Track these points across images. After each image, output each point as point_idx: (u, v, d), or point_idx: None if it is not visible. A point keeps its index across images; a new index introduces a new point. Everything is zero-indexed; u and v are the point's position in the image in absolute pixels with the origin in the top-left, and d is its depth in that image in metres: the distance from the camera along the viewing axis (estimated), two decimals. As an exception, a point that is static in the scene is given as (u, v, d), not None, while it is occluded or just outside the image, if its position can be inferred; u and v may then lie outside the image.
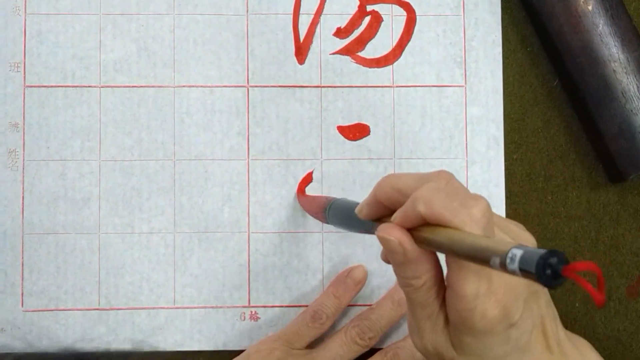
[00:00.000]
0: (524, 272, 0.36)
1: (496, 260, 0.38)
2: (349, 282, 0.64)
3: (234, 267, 0.65)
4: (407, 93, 0.66)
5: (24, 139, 0.64)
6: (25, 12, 0.65)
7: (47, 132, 0.64)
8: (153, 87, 0.65)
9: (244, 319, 0.65)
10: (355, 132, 0.66)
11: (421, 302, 0.47)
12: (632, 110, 0.64)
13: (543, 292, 0.49)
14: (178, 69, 0.65)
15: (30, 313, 0.64)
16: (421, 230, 0.44)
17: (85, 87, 0.65)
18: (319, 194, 0.65)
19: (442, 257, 0.46)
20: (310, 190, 0.65)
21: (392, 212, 0.46)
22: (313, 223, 0.65)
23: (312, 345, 0.63)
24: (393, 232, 0.45)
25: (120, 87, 0.65)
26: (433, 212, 0.43)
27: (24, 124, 0.64)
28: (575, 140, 0.67)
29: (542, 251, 0.36)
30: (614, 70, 0.64)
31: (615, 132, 0.64)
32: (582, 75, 0.65)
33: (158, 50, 0.65)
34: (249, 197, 0.65)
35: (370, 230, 0.49)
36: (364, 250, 0.65)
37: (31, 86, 0.65)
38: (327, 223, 0.58)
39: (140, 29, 0.65)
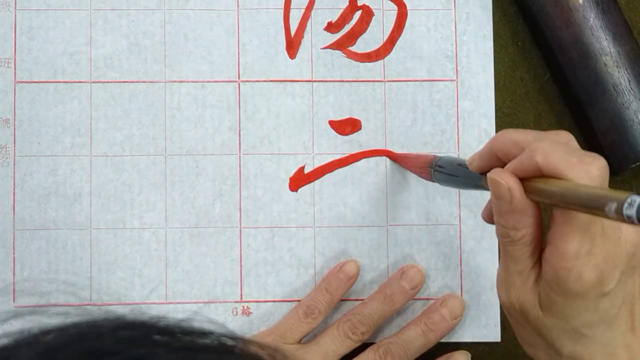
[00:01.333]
0: None
1: (612, 207, 0.37)
2: (341, 276, 0.64)
3: (225, 262, 0.65)
4: (399, 87, 0.66)
5: (14, 135, 0.64)
6: (16, 8, 0.65)
7: (38, 128, 0.64)
8: (144, 82, 0.65)
9: (236, 314, 0.65)
10: (347, 126, 0.66)
11: (516, 256, 0.47)
12: (623, 104, 0.64)
13: (639, 270, 0.49)
14: (169, 64, 0.65)
15: (21, 309, 0.64)
16: (533, 181, 0.45)
17: (76, 82, 0.65)
18: (418, 153, 0.64)
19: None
20: (302, 185, 0.65)
21: (503, 166, 0.47)
22: (305, 218, 0.65)
23: (305, 340, 0.63)
24: (505, 176, 0.46)
25: (111, 82, 0.65)
26: (550, 163, 0.43)
27: (14, 119, 0.64)
28: (567, 134, 0.67)
29: None
30: (605, 64, 0.64)
31: (607, 126, 0.64)
32: (574, 70, 0.65)
33: (149, 45, 0.65)
34: (240, 192, 0.65)
35: (478, 184, 0.49)
36: (356, 245, 0.65)
37: (22, 82, 0.65)
38: (432, 180, 0.58)
39: (130, 24, 0.65)
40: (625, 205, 0.37)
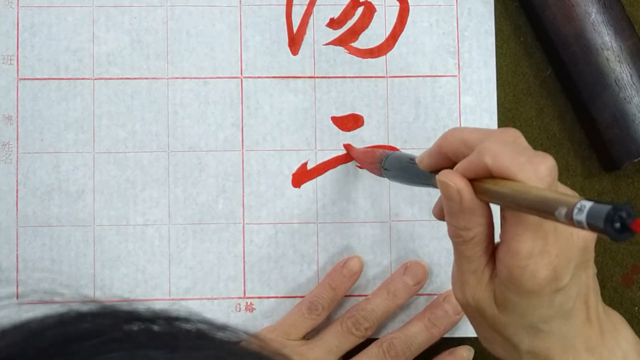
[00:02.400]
0: (590, 224, 0.36)
1: (562, 211, 0.37)
2: (345, 272, 0.64)
3: (228, 259, 0.65)
4: (401, 83, 0.66)
5: (17, 132, 0.64)
6: (18, 5, 0.65)
7: (41, 125, 0.64)
8: (146, 79, 0.65)
9: (239, 310, 0.65)
10: (349, 122, 0.66)
11: (468, 255, 0.47)
12: (625, 99, 0.64)
13: (592, 263, 0.49)
14: (171, 61, 0.65)
15: (25, 306, 0.64)
16: (482, 181, 0.44)
17: (79, 79, 0.65)
18: (372, 147, 0.64)
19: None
20: (304, 181, 0.65)
21: (453, 164, 0.47)
22: (308, 214, 0.65)
23: (308, 336, 0.63)
24: (454, 178, 0.45)
25: (114, 79, 0.65)
26: (499, 164, 0.43)
27: (17, 116, 0.64)
28: (569, 129, 0.67)
29: (612, 204, 0.35)
30: (607, 59, 0.64)
31: (608, 121, 0.64)
32: (576, 64, 0.65)
33: (151, 42, 0.65)
34: (243, 188, 0.65)
35: (427, 183, 0.49)
36: (359, 241, 0.65)
37: (24, 79, 0.65)
38: (382, 176, 0.58)
39: (133, 21, 0.65)
40: (575, 210, 0.36)
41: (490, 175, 0.44)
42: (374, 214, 0.65)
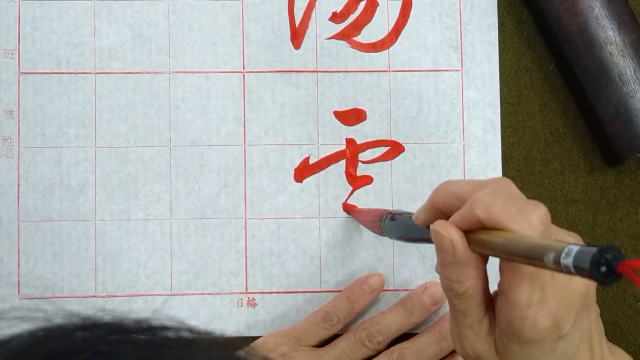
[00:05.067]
0: (577, 268, 0.35)
1: (550, 257, 0.37)
2: (365, 288, 0.63)
3: (230, 254, 0.64)
4: (404, 77, 0.66)
5: (18, 126, 0.64)
6: (19, -1, 0.65)
7: (42, 119, 0.64)
8: (148, 73, 0.65)
9: (241, 305, 0.64)
10: (352, 117, 0.65)
11: (462, 309, 0.47)
12: (628, 93, 0.64)
13: (594, 306, 0.48)
14: (173, 55, 0.65)
15: (26, 301, 0.64)
16: (476, 233, 0.44)
17: (80, 73, 0.65)
18: (372, 207, 0.64)
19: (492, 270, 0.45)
20: (307, 175, 0.65)
21: (448, 218, 0.46)
22: (310, 208, 0.65)
23: (320, 346, 0.63)
24: (448, 228, 0.45)
25: (116, 73, 0.65)
26: (491, 215, 0.43)
27: (18, 110, 0.64)
28: (572, 124, 0.67)
29: (598, 247, 0.35)
30: (611, 53, 0.64)
31: (612, 116, 0.64)
32: (579, 59, 0.64)
33: (153, 36, 0.65)
34: (245, 183, 0.65)
35: (427, 238, 0.48)
36: (361, 236, 0.65)
37: (26, 73, 0.64)
38: (383, 235, 0.58)
39: (135, 15, 0.65)
40: (563, 255, 0.36)
41: (484, 227, 0.44)
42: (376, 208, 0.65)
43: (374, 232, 0.60)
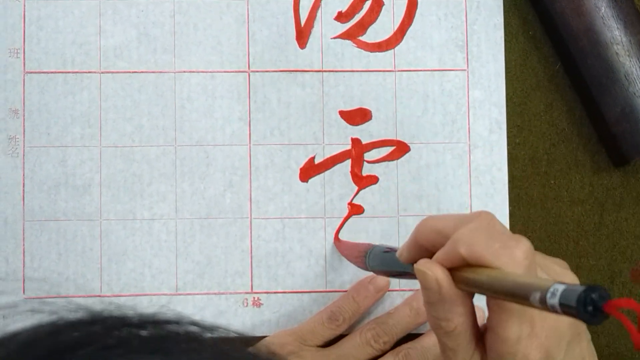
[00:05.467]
0: (564, 307, 0.35)
1: (536, 296, 0.37)
2: (371, 288, 0.63)
3: (236, 253, 0.64)
4: (409, 77, 0.66)
5: (24, 126, 0.64)
6: (25, -2, 0.65)
7: (48, 119, 0.64)
8: (154, 72, 0.65)
9: (247, 305, 0.64)
10: (357, 117, 0.65)
11: (452, 347, 0.46)
12: (635, 93, 0.64)
13: (585, 333, 0.48)
14: (178, 55, 0.65)
15: (31, 300, 0.64)
16: (461, 270, 0.44)
17: (86, 72, 0.64)
18: (357, 241, 0.64)
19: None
20: (312, 175, 0.65)
21: (432, 255, 0.46)
22: (315, 208, 0.65)
23: (326, 346, 0.63)
24: (432, 267, 0.45)
25: (121, 72, 0.65)
26: (474, 253, 0.43)
27: (24, 110, 0.64)
28: (578, 124, 0.67)
29: (584, 286, 0.35)
30: (617, 53, 0.64)
31: (618, 115, 0.64)
32: (585, 59, 0.64)
33: (158, 35, 0.65)
34: (250, 183, 0.65)
35: (412, 274, 0.48)
36: (367, 235, 0.65)
37: (31, 72, 0.64)
38: (367, 269, 0.57)
39: (140, 14, 0.65)
40: (549, 294, 0.36)
41: (469, 264, 0.43)
42: (382, 208, 0.65)
43: (358, 266, 0.60)
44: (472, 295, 0.45)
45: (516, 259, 0.42)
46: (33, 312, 0.32)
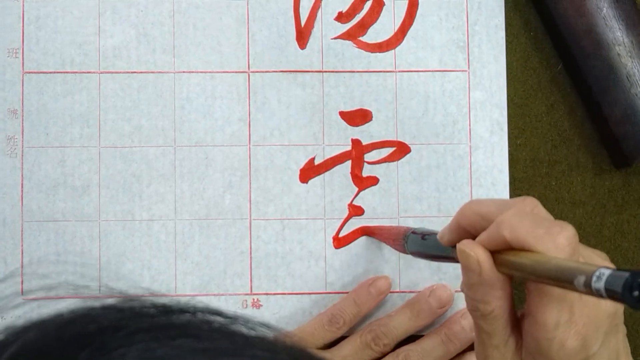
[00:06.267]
0: (609, 291, 0.35)
1: (581, 280, 0.37)
2: (372, 291, 0.63)
3: (235, 254, 0.64)
4: (410, 78, 0.65)
5: (22, 126, 0.64)
6: (24, -3, 0.64)
7: (46, 119, 0.64)
8: (153, 72, 0.64)
9: (246, 307, 0.64)
10: (358, 117, 0.65)
11: (488, 330, 0.46)
12: (637, 95, 0.63)
13: (622, 326, 0.48)
14: (178, 55, 0.65)
15: (30, 301, 0.63)
16: (503, 253, 0.44)
17: (85, 73, 0.64)
18: (393, 225, 0.64)
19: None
20: (312, 176, 0.65)
21: (474, 238, 0.46)
22: (315, 209, 0.64)
23: (326, 348, 0.63)
24: (474, 248, 0.45)
25: (120, 73, 0.64)
26: (518, 237, 0.43)
27: (22, 110, 0.64)
28: (580, 125, 0.66)
29: (631, 271, 0.35)
30: (619, 54, 0.63)
31: (620, 117, 0.64)
32: (586, 60, 0.64)
33: (158, 35, 0.65)
34: (250, 184, 0.64)
35: (452, 257, 0.48)
36: (366, 238, 0.64)
37: (30, 72, 0.64)
38: (406, 252, 0.57)
39: (139, 14, 0.65)
40: (594, 278, 0.36)
41: (511, 247, 0.43)
42: (382, 209, 0.65)
43: (396, 249, 0.60)
44: (511, 281, 0.45)
45: (559, 244, 0.42)
46: (50, 299, 0.32)
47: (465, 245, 0.45)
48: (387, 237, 0.62)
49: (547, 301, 0.43)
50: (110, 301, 0.32)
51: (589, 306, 0.44)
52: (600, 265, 0.37)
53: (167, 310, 0.31)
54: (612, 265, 0.48)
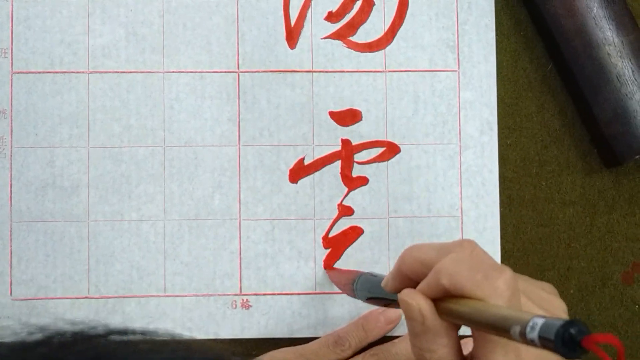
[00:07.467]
0: (543, 341, 0.35)
1: (516, 330, 0.37)
2: (382, 319, 0.63)
3: (224, 255, 0.64)
4: (400, 78, 0.65)
5: (11, 126, 0.64)
6: (12, -3, 0.64)
7: (35, 119, 0.64)
8: (142, 72, 0.64)
9: (235, 307, 0.64)
10: (347, 117, 0.65)
11: None
12: (627, 95, 0.63)
13: None
14: (167, 54, 0.64)
15: (19, 302, 0.63)
16: (445, 301, 0.44)
17: (74, 72, 0.64)
18: (347, 269, 0.64)
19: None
20: (302, 176, 0.64)
21: (417, 284, 0.46)
22: (305, 210, 0.64)
23: None
24: (415, 297, 0.44)
25: (109, 72, 0.64)
26: (456, 284, 0.42)
27: (11, 110, 0.64)
28: (570, 125, 0.66)
29: (563, 321, 0.35)
30: (609, 54, 0.63)
31: (610, 117, 0.64)
32: (577, 59, 0.64)
33: (147, 35, 0.64)
34: (239, 184, 0.64)
35: (398, 304, 0.48)
36: (356, 239, 0.64)
37: (19, 72, 0.64)
38: (356, 297, 0.57)
39: (128, 13, 0.64)
40: (528, 328, 0.36)
41: (452, 295, 0.43)
42: (372, 209, 0.65)
43: (346, 294, 0.59)
44: (459, 326, 0.45)
45: (498, 289, 0.42)
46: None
47: (406, 295, 0.45)
48: (338, 281, 0.62)
49: (492, 347, 0.43)
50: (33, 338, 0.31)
51: (536, 349, 0.44)
52: (534, 315, 0.37)
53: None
54: (558, 301, 0.49)
